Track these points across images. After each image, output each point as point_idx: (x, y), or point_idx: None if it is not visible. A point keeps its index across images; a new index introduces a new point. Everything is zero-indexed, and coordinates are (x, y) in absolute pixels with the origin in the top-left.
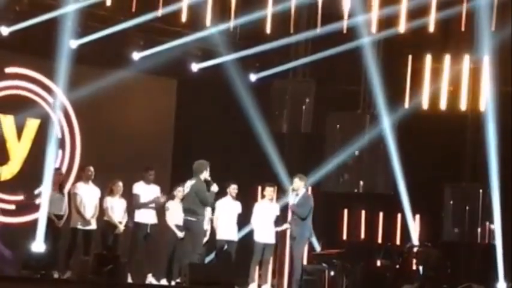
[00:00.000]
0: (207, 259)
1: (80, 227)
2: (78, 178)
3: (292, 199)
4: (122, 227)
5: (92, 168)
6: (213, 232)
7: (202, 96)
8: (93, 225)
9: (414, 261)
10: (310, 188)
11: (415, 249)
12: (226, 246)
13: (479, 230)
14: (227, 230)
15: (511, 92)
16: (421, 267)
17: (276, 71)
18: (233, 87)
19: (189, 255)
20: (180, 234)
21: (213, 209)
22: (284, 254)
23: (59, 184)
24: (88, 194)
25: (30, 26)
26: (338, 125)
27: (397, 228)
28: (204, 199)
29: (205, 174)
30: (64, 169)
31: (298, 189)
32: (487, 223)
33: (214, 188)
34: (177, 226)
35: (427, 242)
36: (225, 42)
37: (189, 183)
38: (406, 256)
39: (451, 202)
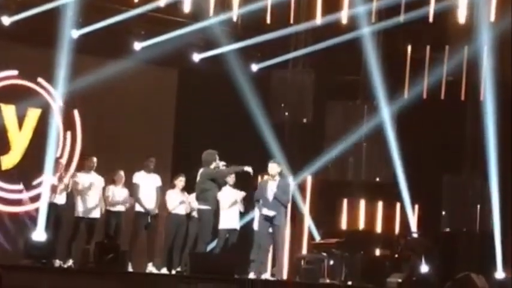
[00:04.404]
0: (209, 247)
1: (83, 215)
2: (79, 168)
3: (271, 185)
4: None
5: (94, 159)
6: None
7: (203, 86)
8: (97, 214)
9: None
10: (288, 176)
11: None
12: (227, 235)
13: (478, 219)
14: (229, 219)
15: (510, 82)
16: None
17: (276, 61)
18: (234, 78)
19: (199, 244)
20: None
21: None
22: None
23: (59, 173)
24: (90, 184)
25: (31, 16)
26: (337, 115)
27: (396, 217)
28: (216, 173)
29: (215, 164)
30: (65, 159)
31: (276, 175)
32: (486, 213)
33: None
34: (177, 215)
35: (420, 231)
36: (226, 33)
37: (199, 173)
38: (395, 245)
39: (450, 191)
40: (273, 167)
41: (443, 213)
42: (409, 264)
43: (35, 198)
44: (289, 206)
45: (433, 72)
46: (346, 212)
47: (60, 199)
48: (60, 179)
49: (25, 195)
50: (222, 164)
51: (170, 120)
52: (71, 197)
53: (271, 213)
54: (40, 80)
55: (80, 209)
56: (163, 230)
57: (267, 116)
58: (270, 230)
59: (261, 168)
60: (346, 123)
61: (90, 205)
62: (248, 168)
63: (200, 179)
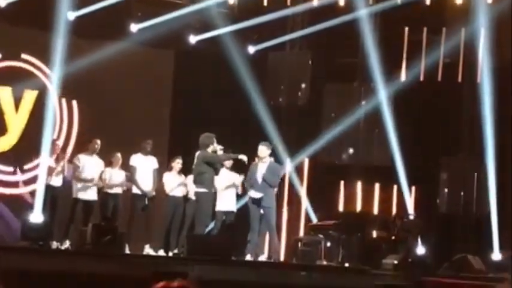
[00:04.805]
0: (206, 229)
1: (81, 197)
2: (76, 150)
3: (260, 168)
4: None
5: (98, 141)
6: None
7: (199, 68)
8: (94, 196)
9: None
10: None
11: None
12: (224, 217)
13: (474, 201)
14: (225, 202)
15: (507, 63)
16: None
17: (273, 43)
18: (231, 60)
19: (197, 226)
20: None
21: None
22: (280, 223)
23: (56, 155)
24: (90, 166)
25: None
26: (335, 97)
27: (393, 199)
28: (212, 158)
29: (212, 148)
30: (61, 141)
31: (265, 157)
32: (482, 194)
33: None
34: (174, 197)
35: (417, 213)
36: (222, 14)
37: (196, 155)
38: (392, 227)
39: (447, 174)
40: (262, 150)
41: (440, 195)
42: (405, 246)
43: (28, 182)
44: (286, 189)
45: (430, 54)
46: (343, 194)
47: (57, 181)
48: (57, 161)
49: (19, 178)
50: (219, 148)
51: (167, 102)
52: (67, 179)
53: (257, 195)
54: (36, 61)
55: (77, 191)
56: (160, 212)
57: (264, 98)
58: (262, 211)
59: (256, 151)
60: (343, 105)
61: (88, 187)
62: (242, 156)
63: (197, 161)
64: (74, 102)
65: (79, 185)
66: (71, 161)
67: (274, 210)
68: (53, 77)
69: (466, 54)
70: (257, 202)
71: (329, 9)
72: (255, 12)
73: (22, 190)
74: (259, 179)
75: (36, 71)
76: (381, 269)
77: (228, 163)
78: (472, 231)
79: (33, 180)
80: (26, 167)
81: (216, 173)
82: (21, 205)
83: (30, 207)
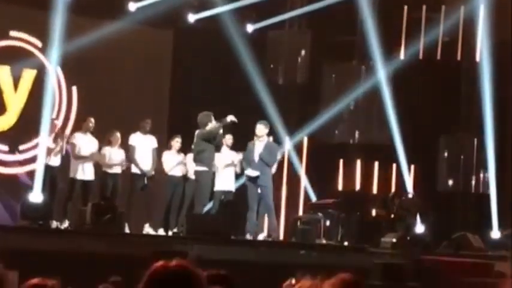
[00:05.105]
0: (205, 208)
1: (78, 177)
2: (75, 129)
3: (257, 146)
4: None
5: (92, 120)
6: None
7: (198, 46)
8: (91, 176)
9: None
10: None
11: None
12: (223, 197)
13: (473, 179)
14: (224, 181)
15: (506, 42)
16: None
17: (272, 22)
18: (230, 38)
19: (196, 206)
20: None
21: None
22: (279, 202)
23: (54, 134)
24: (86, 145)
25: None
26: (334, 76)
27: (392, 178)
28: (207, 133)
29: (211, 125)
30: (60, 120)
31: (262, 136)
32: (482, 173)
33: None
34: (173, 176)
35: (417, 191)
36: None
37: (195, 134)
38: (390, 205)
39: (446, 152)
40: (260, 128)
41: (440, 173)
42: (403, 224)
43: (24, 162)
44: (285, 168)
45: (430, 33)
46: (342, 172)
47: (55, 161)
48: (55, 140)
49: (16, 158)
50: (219, 126)
51: (166, 81)
52: (65, 159)
53: (254, 173)
54: (35, 40)
55: (74, 170)
56: (160, 191)
57: (263, 76)
58: (259, 191)
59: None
60: (342, 84)
61: (85, 166)
62: (231, 117)
63: (196, 140)
64: (73, 82)
65: (76, 165)
66: (69, 141)
67: (271, 189)
68: (51, 56)
69: (465, 32)
70: (254, 180)
71: None
72: None
73: (18, 170)
74: (256, 158)
75: (34, 50)
76: (379, 248)
77: (229, 141)
78: (471, 209)
79: (30, 160)
80: (22, 147)
81: (218, 150)
82: (17, 185)
83: (26, 187)
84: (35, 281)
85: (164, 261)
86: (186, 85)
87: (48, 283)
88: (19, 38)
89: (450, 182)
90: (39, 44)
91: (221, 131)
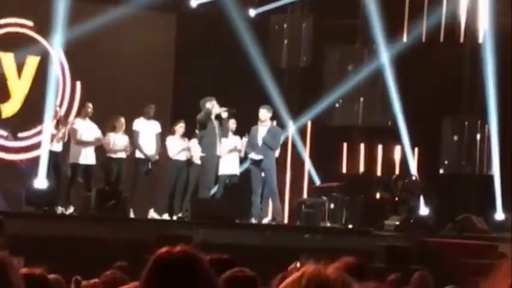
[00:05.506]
0: (210, 193)
1: (79, 162)
2: (78, 115)
3: (261, 131)
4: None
5: (91, 105)
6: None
7: (201, 31)
8: (93, 161)
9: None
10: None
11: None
12: (227, 181)
13: (477, 161)
14: (228, 165)
15: (509, 24)
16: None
17: (274, 6)
18: (232, 22)
19: (200, 190)
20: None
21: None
22: (283, 186)
23: (56, 120)
24: (87, 130)
25: None
26: (336, 59)
27: (396, 161)
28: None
29: (214, 110)
30: (64, 106)
31: (266, 120)
32: (485, 155)
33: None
34: (177, 161)
35: (420, 174)
36: None
37: None
38: (393, 188)
39: (449, 134)
40: (263, 113)
41: (443, 156)
42: (406, 207)
43: (24, 149)
44: (289, 152)
45: (432, 15)
46: (346, 156)
47: (58, 147)
48: (57, 127)
49: (17, 144)
50: (223, 110)
51: (169, 66)
52: (67, 145)
53: (258, 157)
54: (38, 26)
55: (76, 156)
56: (164, 176)
57: (266, 61)
58: (263, 174)
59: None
60: (345, 68)
61: (86, 152)
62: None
63: (198, 125)
64: (76, 68)
65: (77, 150)
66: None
67: (275, 173)
68: (55, 42)
69: (468, 15)
70: (257, 164)
71: None
72: None
73: (17, 157)
74: (260, 142)
75: (38, 36)
76: (383, 230)
77: (233, 126)
78: (475, 191)
79: (31, 147)
80: (23, 134)
81: (224, 135)
82: (18, 171)
83: (26, 174)
84: (23, 271)
85: (168, 247)
86: (189, 70)
87: (35, 272)
88: (22, 25)
89: (454, 164)
90: (42, 30)
91: (225, 115)
